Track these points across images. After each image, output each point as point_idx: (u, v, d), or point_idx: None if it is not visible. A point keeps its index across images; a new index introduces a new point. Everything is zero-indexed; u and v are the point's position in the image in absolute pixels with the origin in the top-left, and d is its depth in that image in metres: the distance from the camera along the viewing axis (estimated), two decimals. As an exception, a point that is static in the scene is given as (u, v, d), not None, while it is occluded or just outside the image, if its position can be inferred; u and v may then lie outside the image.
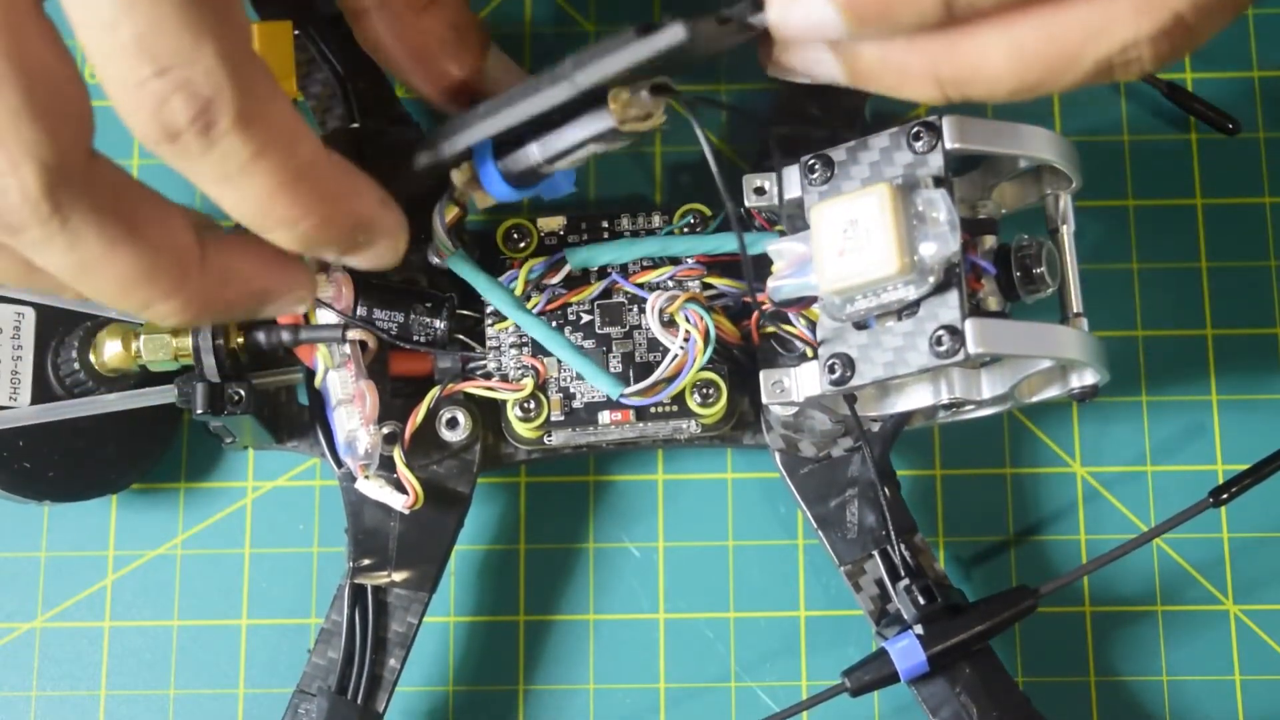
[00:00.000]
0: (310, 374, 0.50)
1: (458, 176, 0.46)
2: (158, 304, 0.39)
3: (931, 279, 0.44)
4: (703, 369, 0.50)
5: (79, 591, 0.56)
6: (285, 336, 0.49)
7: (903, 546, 0.50)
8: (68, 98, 0.36)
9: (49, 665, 0.55)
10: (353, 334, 0.50)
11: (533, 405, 0.51)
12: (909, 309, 0.45)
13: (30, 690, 0.55)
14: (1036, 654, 0.55)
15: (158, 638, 0.55)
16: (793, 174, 0.48)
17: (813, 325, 0.48)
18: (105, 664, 0.55)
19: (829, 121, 0.52)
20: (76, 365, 0.51)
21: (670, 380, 0.50)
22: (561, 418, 0.51)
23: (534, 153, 0.45)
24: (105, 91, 0.36)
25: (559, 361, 0.51)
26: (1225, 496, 0.51)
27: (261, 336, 0.49)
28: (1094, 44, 0.39)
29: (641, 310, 0.51)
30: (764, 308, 0.50)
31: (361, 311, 0.51)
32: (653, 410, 0.51)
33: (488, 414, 0.52)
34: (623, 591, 0.56)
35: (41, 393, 0.52)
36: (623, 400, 0.49)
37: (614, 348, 0.51)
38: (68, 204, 0.36)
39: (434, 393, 0.51)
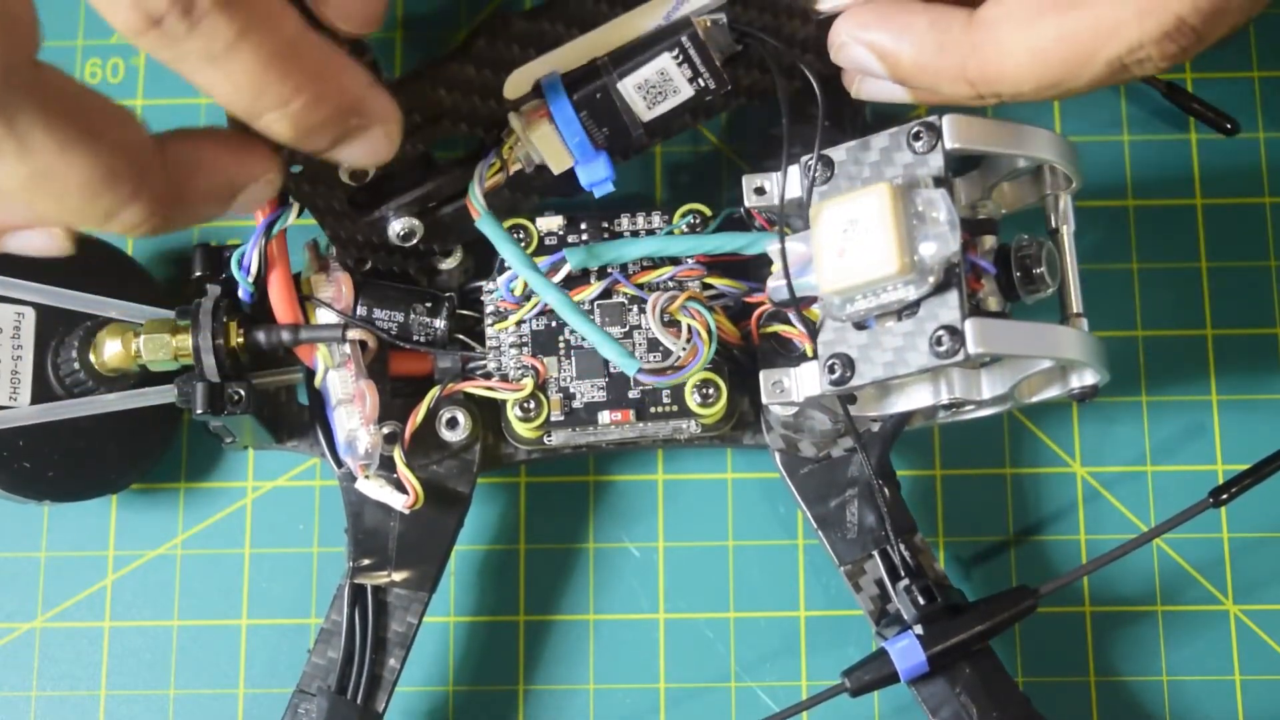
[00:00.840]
0: (310, 374, 0.50)
1: (517, 119, 0.47)
2: (123, 210, 0.39)
3: (931, 279, 0.44)
4: (703, 369, 0.50)
5: (79, 591, 0.56)
6: (285, 336, 0.49)
7: (902, 546, 0.50)
8: (7, 5, 0.36)
9: (49, 665, 0.55)
10: (353, 334, 0.50)
11: (533, 405, 0.51)
12: (909, 309, 0.45)
13: (30, 690, 0.55)
14: (1036, 654, 0.55)
15: (158, 638, 0.55)
16: (793, 174, 0.48)
17: (813, 325, 0.48)
18: (105, 664, 0.55)
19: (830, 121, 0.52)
20: (76, 365, 0.51)
21: (681, 368, 0.50)
22: (561, 418, 0.51)
23: (605, 63, 0.47)
24: None
25: (559, 361, 0.51)
26: (1225, 497, 0.51)
27: (261, 336, 0.49)
28: (1104, 45, 0.42)
29: (642, 310, 0.51)
30: (763, 308, 0.51)
31: (361, 311, 0.51)
32: (653, 410, 0.51)
33: (488, 414, 0.52)
34: (623, 591, 0.56)
35: (41, 393, 0.52)
36: (639, 377, 0.49)
37: (614, 348, 0.51)
38: (14, 106, 0.36)
39: (434, 393, 0.51)
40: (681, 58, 0.47)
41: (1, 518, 0.56)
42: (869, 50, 0.46)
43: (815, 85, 0.47)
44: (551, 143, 0.47)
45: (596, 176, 0.48)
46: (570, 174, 0.48)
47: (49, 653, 0.55)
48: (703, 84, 0.47)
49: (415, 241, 0.50)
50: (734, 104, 0.49)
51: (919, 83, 0.46)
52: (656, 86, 0.47)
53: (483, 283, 0.52)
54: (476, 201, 0.48)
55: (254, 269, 0.49)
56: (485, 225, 0.48)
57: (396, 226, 0.49)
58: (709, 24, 0.47)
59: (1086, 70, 0.43)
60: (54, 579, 0.56)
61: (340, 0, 0.42)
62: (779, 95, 0.48)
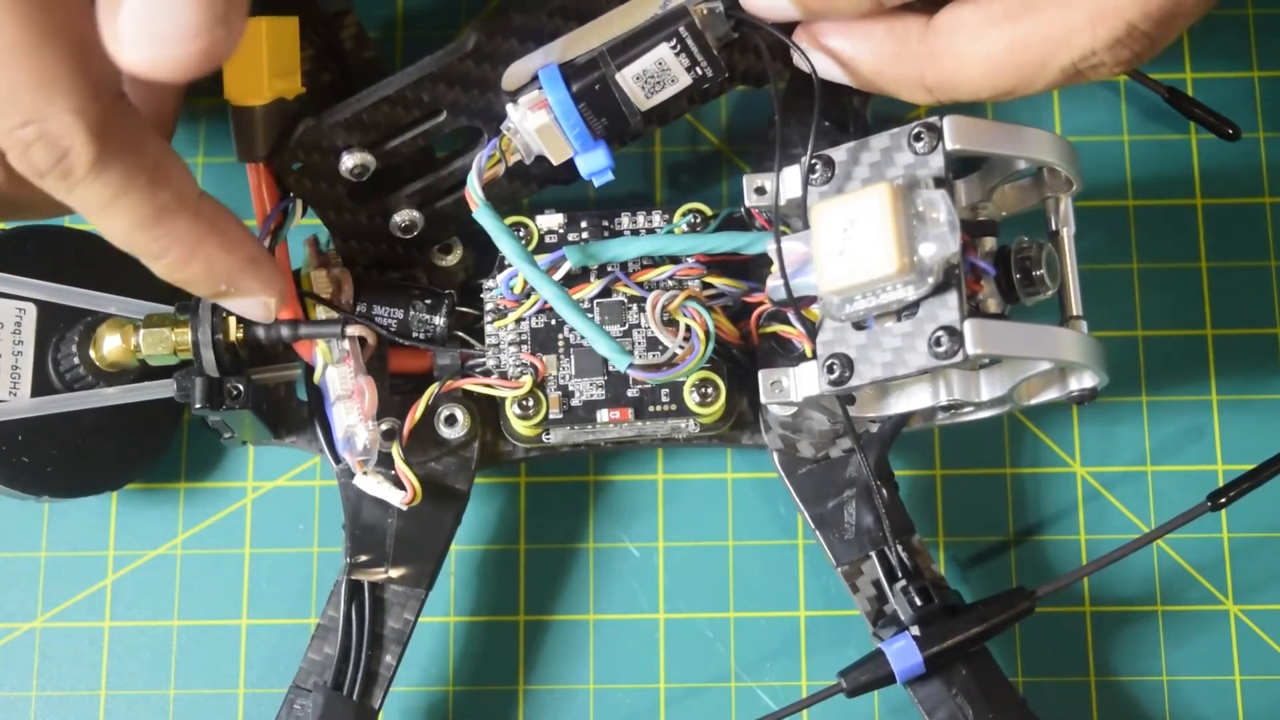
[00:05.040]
0: (309, 369, 0.51)
1: (516, 110, 0.48)
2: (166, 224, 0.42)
3: (931, 280, 0.44)
4: (701, 367, 0.50)
5: (79, 591, 0.56)
6: (284, 332, 0.49)
7: (900, 548, 0.50)
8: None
9: (49, 665, 0.55)
10: (352, 330, 0.50)
11: (531, 403, 0.51)
12: (908, 310, 0.45)
13: (30, 690, 0.55)
14: (1036, 654, 0.55)
15: (158, 638, 0.55)
16: (793, 174, 0.48)
17: (812, 325, 0.48)
18: (105, 664, 0.55)
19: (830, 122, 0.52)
20: (76, 360, 0.51)
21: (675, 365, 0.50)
22: (560, 416, 0.51)
23: (604, 55, 0.47)
24: None
25: (558, 359, 0.51)
26: (1224, 501, 0.51)
27: (261, 332, 0.49)
28: (1057, 53, 0.43)
29: (641, 309, 0.51)
30: (763, 308, 0.51)
31: (361, 308, 0.51)
32: (651, 409, 0.51)
33: (486, 411, 0.52)
34: (623, 591, 0.56)
35: (41, 388, 0.52)
36: (631, 372, 0.49)
37: (613, 346, 0.51)
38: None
39: (433, 389, 0.51)
40: (679, 48, 0.47)
41: (1, 517, 0.56)
42: (829, 56, 0.47)
43: (811, 68, 0.47)
44: (551, 134, 0.48)
45: (596, 166, 0.48)
46: (569, 163, 0.49)
47: (49, 653, 0.55)
48: (700, 72, 0.47)
49: (416, 233, 0.50)
50: (731, 89, 0.50)
51: (877, 88, 0.47)
52: (655, 76, 0.47)
53: (482, 280, 0.52)
54: (475, 192, 0.48)
55: None
56: (482, 216, 0.48)
57: (398, 219, 0.50)
58: (705, 12, 0.47)
59: (1041, 77, 0.44)
60: (54, 579, 0.56)
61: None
62: (770, 83, 0.48)
